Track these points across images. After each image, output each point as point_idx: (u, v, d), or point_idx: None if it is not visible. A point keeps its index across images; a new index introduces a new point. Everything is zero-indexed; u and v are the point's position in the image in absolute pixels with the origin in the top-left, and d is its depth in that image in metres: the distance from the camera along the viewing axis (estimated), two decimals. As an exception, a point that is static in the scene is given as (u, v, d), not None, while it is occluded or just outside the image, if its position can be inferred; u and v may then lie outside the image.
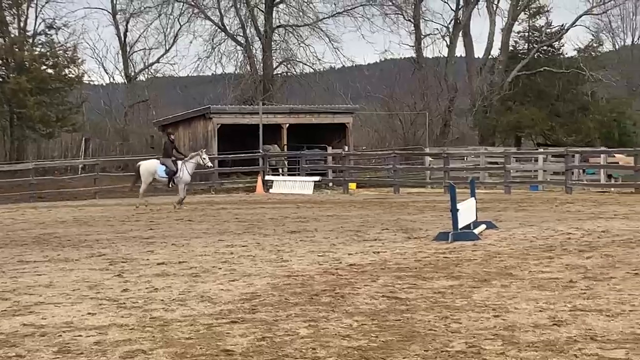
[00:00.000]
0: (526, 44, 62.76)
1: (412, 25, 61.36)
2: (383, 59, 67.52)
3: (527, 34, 62.95)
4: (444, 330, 8.52)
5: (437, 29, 62.44)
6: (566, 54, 63.43)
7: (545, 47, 62.31)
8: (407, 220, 20.97)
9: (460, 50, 62.89)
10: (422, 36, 61.69)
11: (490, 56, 62.61)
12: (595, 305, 9.52)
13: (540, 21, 62.69)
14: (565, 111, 59.89)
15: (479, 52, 64.41)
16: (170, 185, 28.01)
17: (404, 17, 61.49)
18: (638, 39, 71.02)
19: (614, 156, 37.32)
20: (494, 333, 8.30)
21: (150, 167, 28.01)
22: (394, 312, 9.44)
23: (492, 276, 11.71)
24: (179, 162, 27.64)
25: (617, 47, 71.56)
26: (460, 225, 16.25)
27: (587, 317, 8.88)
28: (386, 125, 59.92)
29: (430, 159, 41.25)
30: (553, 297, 10.03)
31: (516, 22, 62.02)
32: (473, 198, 18.43)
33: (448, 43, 61.54)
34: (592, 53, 63.19)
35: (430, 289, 10.80)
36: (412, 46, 62.34)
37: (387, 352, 7.69)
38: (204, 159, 27.94)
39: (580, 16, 62.97)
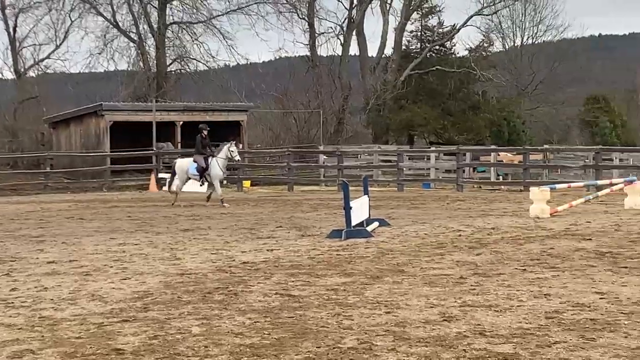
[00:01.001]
0: (419, 44, 63.45)
1: (307, 23, 61.41)
2: (277, 57, 67.38)
3: (419, 33, 63.65)
4: (336, 327, 8.57)
5: (331, 27, 62.60)
6: (458, 53, 64.39)
7: (437, 47, 63.09)
8: (301, 218, 21.03)
9: (354, 49, 63.23)
10: (316, 35, 61.79)
11: (383, 55, 63.10)
12: (484, 300, 9.69)
13: (433, 21, 63.48)
14: (457, 110, 60.76)
15: (372, 51, 64.91)
16: (202, 183, 26.66)
17: (298, 16, 61.51)
18: (527, 39, 72.53)
19: (499, 155, 37.99)
20: (386, 329, 8.38)
21: (184, 165, 26.83)
22: (286, 310, 9.46)
23: (384, 273, 11.82)
24: (210, 158, 26.40)
25: (507, 47, 72.96)
26: (353, 223, 16.36)
27: (476, 313, 9.03)
28: (281, 123, 59.86)
29: (325, 157, 41.40)
30: (443, 293, 10.18)
31: (409, 22, 62.63)
32: (366, 196, 18.58)
33: (342, 42, 61.75)
34: (483, 53, 64.26)
35: (323, 286, 10.85)
36: (307, 44, 62.40)
37: (280, 349, 7.71)
38: (232, 151, 26.50)
39: (471, 16, 63.97)
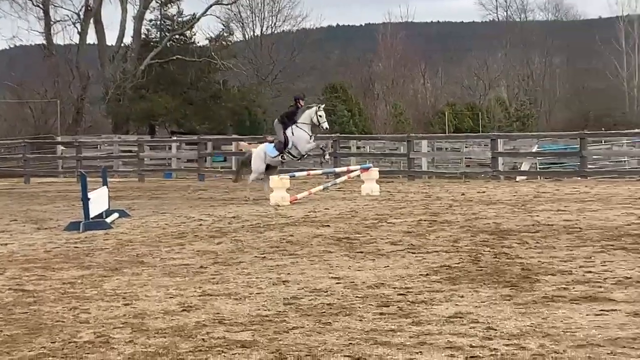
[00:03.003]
0: (159, 32, 62.92)
1: (42, 10, 59.56)
2: (12, 46, 65.07)
3: (159, 22, 63.11)
4: (73, 320, 8.33)
5: (67, 15, 61.00)
6: (198, 42, 64.44)
7: (177, 36, 62.78)
8: (38, 210, 20.37)
9: (92, 38, 61.88)
10: (52, 22, 60.01)
11: (122, 44, 62.10)
12: (224, 289, 9.69)
13: (172, 10, 63.14)
14: (198, 99, 60.78)
15: (111, 39, 63.73)
16: (285, 159, 21.35)
17: (32, 3, 59.55)
18: (266, 29, 73.49)
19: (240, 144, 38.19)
20: (124, 321, 8.22)
21: (260, 151, 21.69)
22: (20, 305, 9.11)
23: (124, 265, 11.62)
24: (289, 128, 21.04)
25: (247, 37, 73.65)
26: (91, 215, 16.02)
27: (216, 302, 9.02)
28: (16, 113, 57.78)
29: (63, 147, 40.33)
30: (183, 283, 10.12)
31: (148, 10, 61.96)
32: (105, 187, 18.24)
33: (79, 30, 60.31)
34: (223, 42, 64.59)
35: (59, 280, 10.53)
36: (42, 33, 60.54)
37: (13, 346, 7.40)
38: (320, 116, 20.94)
39: (211, 6, 64.06)
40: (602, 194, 19.34)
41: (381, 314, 8.27)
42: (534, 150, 33.06)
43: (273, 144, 21.24)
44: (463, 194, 21.15)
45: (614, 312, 8.03)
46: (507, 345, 6.99)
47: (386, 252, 12.10)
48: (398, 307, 8.54)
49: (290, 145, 20.95)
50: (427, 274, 10.27)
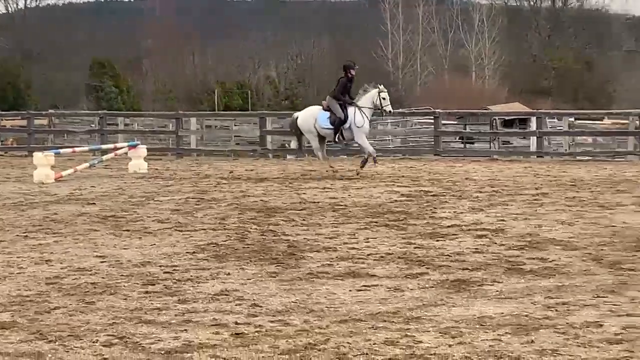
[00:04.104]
0: None
1: None
2: None
3: None
4: None
5: None
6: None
7: None
8: None
9: None
10: None
11: None
12: (-18, 270, 9.32)
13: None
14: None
15: None
16: (338, 139, 19.70)
17: None
18: (30, 2, 71.08)
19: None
20: None
21: (309, 115, 19.79)
22: None
23: None
24: (350, 108, 19.36)
25: (10, 10, 71.00)
26: None
27: (-27, 283, 8.66)
28: None
29: None
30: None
31: None
32: None
33: None
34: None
35: None
36: None
37: None
38: (384, 99, 19.43)
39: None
40: (367, 172, 19.85)
41: (147, 292, 8.17)
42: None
43: (328, 115, 19.36)
44: (231, 172, 21.23)
45: (376, 288, 8.26)
46: (271, 321, 7.06)
47: (153, 230, 11.98)
48: (164, 285, 8.47)
49: (348, 125, 19.27)
50: (194, 252, 10.23)
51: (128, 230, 11.97)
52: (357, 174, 19.27)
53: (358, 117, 19.24)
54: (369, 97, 19.44)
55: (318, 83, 79.08)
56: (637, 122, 25.79)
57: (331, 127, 19.27)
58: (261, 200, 15.24)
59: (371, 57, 75.76)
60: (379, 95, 19.38)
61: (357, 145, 20.77)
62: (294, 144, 23.41)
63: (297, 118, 20.08)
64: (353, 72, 19.53)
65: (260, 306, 7.59)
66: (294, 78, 76.93)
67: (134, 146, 22.26)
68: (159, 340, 6.58)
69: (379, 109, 19.54)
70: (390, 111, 20.01)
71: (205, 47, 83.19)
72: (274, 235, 11.36)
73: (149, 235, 11.51)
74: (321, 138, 19.71)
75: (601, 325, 6.75)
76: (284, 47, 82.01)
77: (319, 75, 79.30)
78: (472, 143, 36.12)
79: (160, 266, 9.42)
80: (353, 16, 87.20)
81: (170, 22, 77.14)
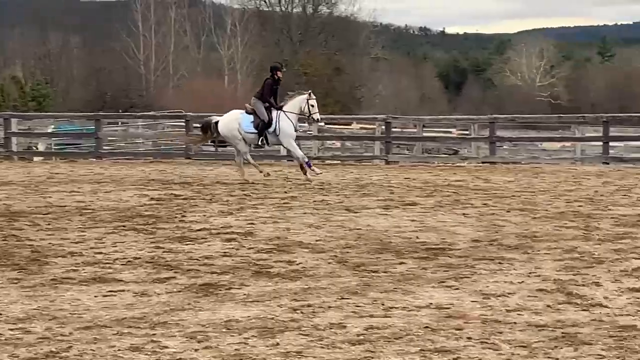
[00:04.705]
0: None
1: None
2: None
3: None
4: None
5: None
6: None
7: None
8: None
9: None
10: None
11: None
12: None
13: None
14: None
15: None
16: (262, 143, 18.54)
17: None
18: None
19: None
20: None
21: (231, 120, 18.59)
22: None
23: None
24: (275, 111, 18.27)
25: None
26: None
27: None
28: None
29: None
30: None
31: None
32: None
33: None
34: None
35: None
36: None
37: None
38: (312, 106, 18.47)
39: None
40: (117, 175, 19.54)
41: None
42: (49, 130, 32.63)
43: (251, 119, 18.43)
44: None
45: (122, 293, 8.13)
46: (12, 329, 6.81)
47: None
48: None
49: (272, 129, 18.37)
50: None
51: None
52: (307, 180, 18.27)
53: (284, 122, 18.45)
54: (296, 103, 18.66)
55: (67, 83, 77.36)
56: (383, 127, 26.66)
57: (255, 131, 18.47)
58: (4, 204, 14.69)
59: (122, 58, 74.76)
60: (307, 102, 18.61)
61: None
62: (41, 147, 22.62)
63: (216, 123, 19.05)
64: (280, 73, 18.82)
65: (1, 314, 7.30)
66: (41, 78, 74.71)
67: None
68: None
69: (305, 116, 18.89)
70: (317, 119, 19.46)
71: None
72: (17, 240, 10.98)
73: None
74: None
75: (344, 327, 6.92)
76: (31, 45, 79.48)
77: (68, 76, 77.55)
78: (225, 146, 36.19)
79: None
80: (102, 16, 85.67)
81: None
